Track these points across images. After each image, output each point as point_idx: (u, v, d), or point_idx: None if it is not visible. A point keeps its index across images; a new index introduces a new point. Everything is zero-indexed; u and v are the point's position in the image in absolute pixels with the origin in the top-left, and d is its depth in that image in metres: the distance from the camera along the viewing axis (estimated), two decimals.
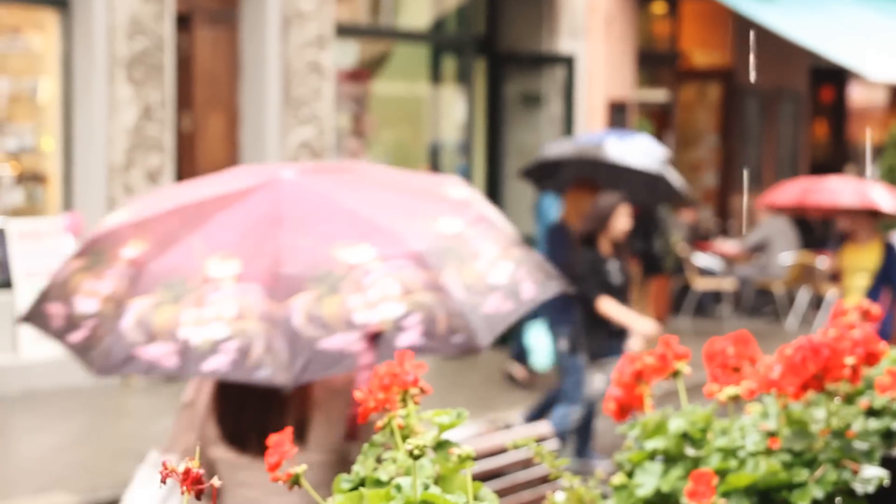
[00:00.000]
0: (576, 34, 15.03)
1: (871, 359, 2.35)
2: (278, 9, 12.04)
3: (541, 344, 10.65)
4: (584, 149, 10.43)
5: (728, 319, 15.59)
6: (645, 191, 10.08)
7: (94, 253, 3.92)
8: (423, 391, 2.29)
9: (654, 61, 17.16)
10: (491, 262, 3.85)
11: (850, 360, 2.26)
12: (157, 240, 3.76)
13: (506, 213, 15.12)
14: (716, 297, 16.21)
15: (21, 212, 10.91)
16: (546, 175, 10.39)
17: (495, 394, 11.31)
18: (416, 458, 1.96)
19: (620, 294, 8.44)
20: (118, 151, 10.85)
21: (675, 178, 10.32)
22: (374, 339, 3.50)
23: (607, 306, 8.29)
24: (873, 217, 10.24)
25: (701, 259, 15.94)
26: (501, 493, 4.32)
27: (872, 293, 9.66)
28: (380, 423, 2.22)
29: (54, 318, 3.98)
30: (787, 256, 15.69)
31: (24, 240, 10.64)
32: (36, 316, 4.07)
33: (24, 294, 10.54)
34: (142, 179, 10.98)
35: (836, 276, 10.42)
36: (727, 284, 15.64)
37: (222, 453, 3.87)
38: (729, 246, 16.36)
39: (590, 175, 9.92)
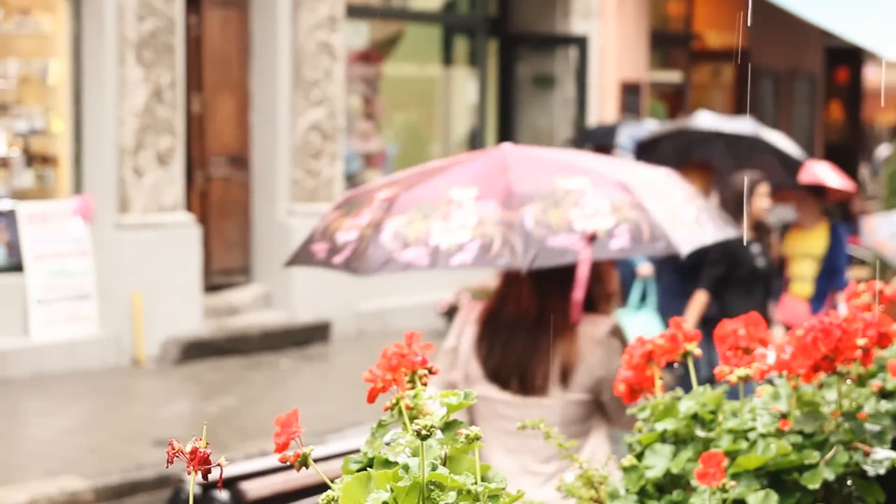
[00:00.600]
0: (588, 15, 14.96)
1: (884, 340, 2.31)
2: None
3: (650, 332, 10.46)
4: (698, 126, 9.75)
5: None
6: (779, 169, 9.28)
7: (350, 204, 4.54)
8: (431, 372, 2.26)
9: (668, 42, 17.09)
10: (680, 202, 4.52)
11: (861, 342, 2.22)
12: (407, 184, 4.45)
13: None
14: None
15: (31, 194, 10.90)
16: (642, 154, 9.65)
17: None
18: (424, 438, 1.94)
19: (766, 280, 7.88)
20: (128, 133, 10.83)
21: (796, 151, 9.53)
22: (591, 240, 4.15)
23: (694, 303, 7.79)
24: (818, 198, 9.12)
25: None
26: None
27: (820, 281, 9.01)
28: (387, 404, 2.19)
29: (318, 252, 4.53)
30: None
31: (34, 222, 10.63)
32: (300, 256, 4.61)
33: (34, 277, 10.54)
34: (152, 161, 10.96)
35: (781, 264, 9.04)
36: None
37: (485, 390, 4.36)
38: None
39: (717, 153, 9.33)
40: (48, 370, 10.40)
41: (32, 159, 11.02)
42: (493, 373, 4.40)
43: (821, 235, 9.07)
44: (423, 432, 1.89)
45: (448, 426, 2.12)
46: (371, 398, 2.21)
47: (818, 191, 9.21)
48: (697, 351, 2.47)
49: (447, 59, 14.89)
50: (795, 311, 8.77)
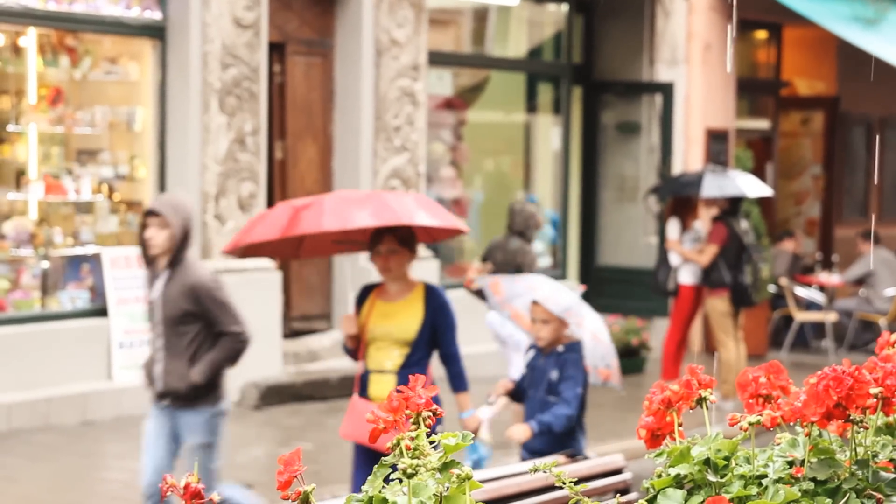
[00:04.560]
0: (674, 62, 14.91)
1: None
2: (372, 38, 12.11)
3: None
4: None
5: (830, 353, 15.29)
6: None
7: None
8: (435, 414, 2.25)
9: (756, 89, 16.97)
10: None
11: (875, 391, 2.18)
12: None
13: (602, 242, 15.04)
14: (818, 330, 15.93)
15: (115, 239, 11.07)
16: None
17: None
18: (410, 476, 1.94)
19: None
20: (210, 179, 10.96)
21: None
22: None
23: None
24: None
25: (802, 291, 15.67)
26: None
27: None
28: (389, 445, 2.19)
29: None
30: (891, 289, 15.36)
31: (117, 267, 10.78)
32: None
33: (117, 320, 10.68)
34: (234, 207, 11.08)
35: None
36: (829, 317, 15.35)
37: None
38: (831, 278, 16.05)
39: None
40: (129, 413, 10.51)
41: (117, 205, 11.21)
42: None
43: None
44: (409, 471, 1.89)
45: (445, 466, 2.12)
46: (373, 439, 2.21)
47: None
48: (713, 397, 2.44)
49: (531, 106, 14.92)
50: None
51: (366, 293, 6.89)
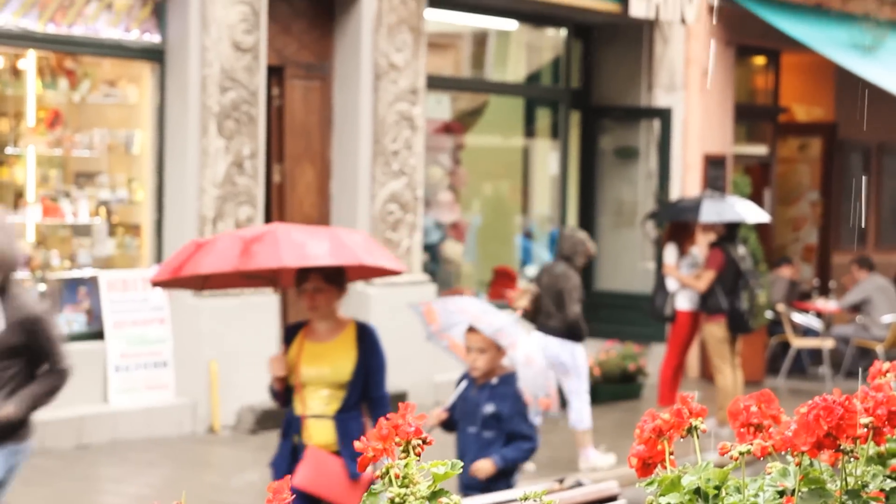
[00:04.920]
0: (672, 88, 14.94)
1: (895, 419, 2.26)
2: (371, 62, 12.13)
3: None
4: None
5: (828, 380, 15.28)
6: None
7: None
8: (425, 442, 2.25)
9: (754, 115, 17.00)
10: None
11: (865, 420, 2.18)
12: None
13: (599, 267, 15.05)
14: (815, 356, 15.92)
15: (113, 262, 11.07)
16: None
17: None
18: None
19: None
20: (209, 203, 10.97)
21: None
22: None
23: None
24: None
25: (799, 317, 15.66)
26: None
27: None
28: (378, 472, 2.19)
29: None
30: (888, 316, 15.36)
31: (114, 290, 10.78)
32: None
33: (113, 344, 10.67)
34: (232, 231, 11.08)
35: None
36: (826, 344, 15.33)
37: None
38: (828, 304, 16.05)
39: None
40: (125, 437, 10.50)
41: (115, 228, 11.21)
42: None
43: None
44: (397, 499, 1.89)
45: (434, 495, 2.11)
46: (361, 467, 2.21)
47: None
48: (704, 426, 2.44)
49: (530, 130, 14.94)
50: None
51: (293, 332, 6.55)
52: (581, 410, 10.67)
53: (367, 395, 6.41)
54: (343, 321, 6.47)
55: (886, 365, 2.70)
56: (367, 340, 6.44)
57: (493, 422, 6.55)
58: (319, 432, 6.34)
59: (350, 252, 6.30)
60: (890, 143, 18.85)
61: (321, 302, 6.38)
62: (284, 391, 6.48)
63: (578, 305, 10.29)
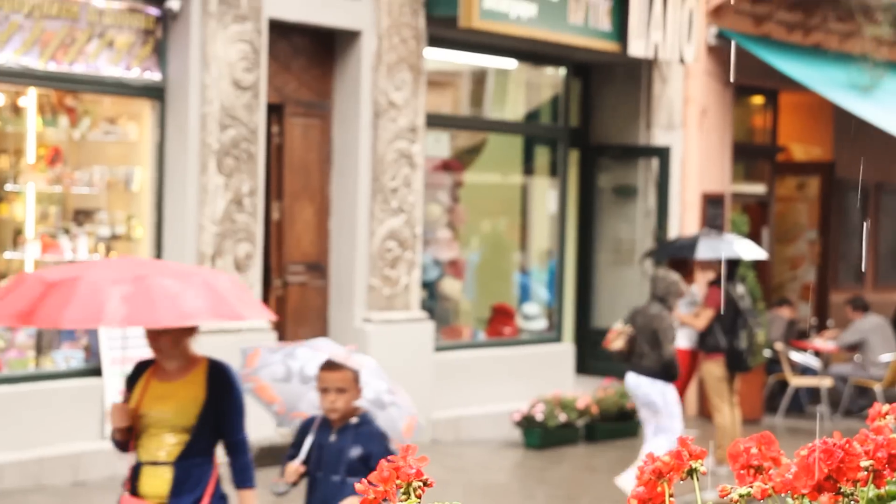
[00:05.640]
0: (671, 126, 14.99)
1: (895, 462, 2.26)
2: (370, 100, 12.17)
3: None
4: None
5: (826, 419, 15.26)
6: None
7: None
8: (426, 484, 2.25)
9: (752, 154, 17.04)
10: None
11: (865, 463, 2.18)
12: None
13: (598, 305, 15.05)
14: (813, 395, 15.89)
15: None
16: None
17: (580, 491, 11.15)
18: None
19: None
20: (207, 240, 10.98)
21: None
22: None
23: None
24: None
25: (797, 356, 15.65)
26: None
27: None
28: None
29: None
30: (886, 355, 15.35)
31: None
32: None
33: (111, 380, 10.66)
34: (230, 267, 11.09)
35: None
36: (824, 383, 15.32)
37: None
38: (826, 343, 16.04)
39: None
40: (121, 474, 10.43)
41: None
42: None
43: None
44: None
45: None
46: None
47: None
48: (703, 468, 2.43)
49: (528, 168, 14.98)
50: None
51: (140, 371, 6.01)
52: (664, 449, 10.71)
53: (225, 440, 5.89)
54: (195, 359, 5.90)
55: (886, 407, 2.70)
56: (219, 380, 5.85)
57: (361, 466, 5.92)
58: (153, 482, 5.80)
59: (227, 306, 5.70)
60: (888, 183, 18.90)
61: (165, 343, 5.88)
62: (125, 440, 5.88)
63: (673, 346, 10.51)
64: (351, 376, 6.05)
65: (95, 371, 10.71)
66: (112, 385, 10.66)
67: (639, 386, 10.40)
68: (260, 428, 11.17)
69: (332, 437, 6.05)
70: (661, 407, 10.48)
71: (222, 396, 5.84)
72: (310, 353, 6.41)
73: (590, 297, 15.10)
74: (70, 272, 5.95)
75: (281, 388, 6.45)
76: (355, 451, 6.00)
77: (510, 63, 14.23)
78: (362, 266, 12.23)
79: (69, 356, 10.73)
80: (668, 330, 10.39)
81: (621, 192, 15.11)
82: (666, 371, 10.41)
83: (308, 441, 6.09)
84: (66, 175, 11.00)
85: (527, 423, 12.70)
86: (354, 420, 6.07)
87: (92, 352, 10.81)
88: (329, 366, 6.07)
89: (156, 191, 11.11)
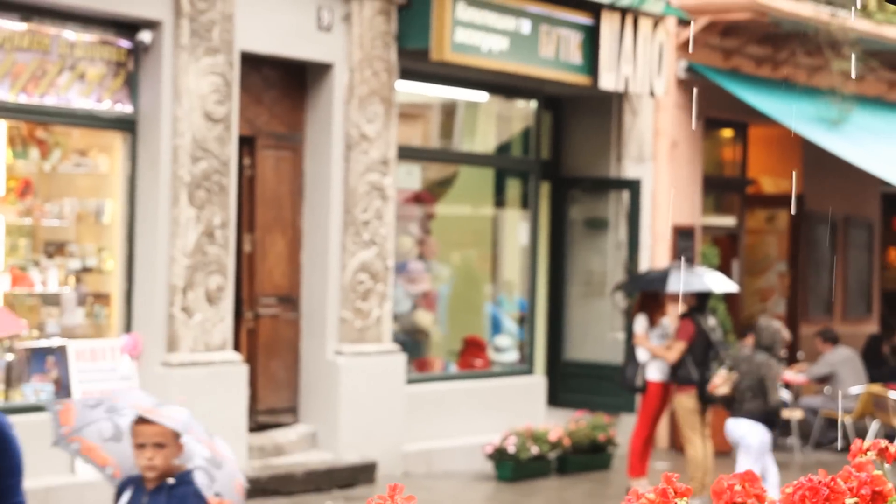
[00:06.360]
0: (641, 159, 15.05)
1: (878, 499, 2.27)
2: (342, 132, 12.18)
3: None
4: None
5: (796, 451, 15.29)
6: None
7: None
8: None
9: (722, 187, 17.12)
10: None
11: (850, 501, 2.18)
12: None
13: (569, 337, 15.06)
14: (784, 427, 15.92)
15: (82, 331, 11.00)
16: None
17: None
18: None
19: None
20: (179, 272, 10.94)
21: None
22: None
23: None
24: None
25: None
26: None
27: None
28: None
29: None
30: (855, 388, 15.41)
31: (82, 359, 10.71)
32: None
33: None
34: (201, 300, 11.05)
35: None
36: (795, 415, 15.36)
37: None
38: (796, 375, 16.08)
39: None
40: None
41: (84, 297, 11.15)
42: None
43: None
44: None
45: None
46: None
47: None
48: None
49: (500, 200, 15.00)
50: None
51: None
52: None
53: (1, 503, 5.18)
54: None
55: (867, 443, 2.70)
56: None
57: None
58: None
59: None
60: (855, 216, 19.02)
61: None
62: None
63: (778, 394, 10.96)
64: (170, 431, 5.48)
65: None
66: None
67: (738, 429, 10.87)
68: None
69: (145, 499, 5.49)
70: (755, 450, 10.88)
71: None
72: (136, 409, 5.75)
73: (561, 330, 15.11)
74: None
75: (112, 448, 5.78)
76: None
77: (482, 96, 14.27)
78: (334, 298, 12.20)
79: (39, 389, 10.66)
80: (777, 378, 10.84)
81: (592, 225, 15.14)
82: (768, 417, 10.88)
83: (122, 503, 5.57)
84: (37, 207, 10.95)
85: (499, 456, 12.67)
86: (171, 480, 5.49)
87: (62, 384, 10.73)
88: (144, 420, 5.49)
89: (127, 223, 11.06)
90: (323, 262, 12.21)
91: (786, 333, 11.26)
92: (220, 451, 5.74)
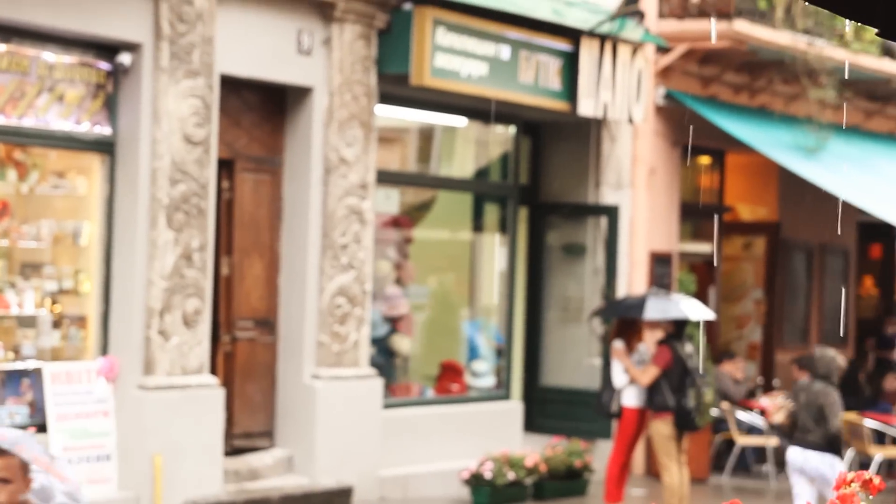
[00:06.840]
0: (619, 185, 15.09)
1: None
2: (321, 156, 12.18)
3: None
4: None
5: (771, 478, 15.31)
6: None
7: None
8: None
9: (699, 214, 17.18)
10: None
11: None
12: None
13: (546, 363, 15.06)
14: (759, 454, 15.95)
15: (57, 354, 10.95)
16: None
17: None
18: None
19: None
20: (156, 295, 10.90)
21: None
22: None
23: None
24: None
25: (744, 415, 15.71)
26: None
27: None
28: None
29: None
30: None
31: (57, 382, 10.66)
32: None
33: (56, 436, 10.53)
34: (178, 323, 11.01)
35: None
36: (770, 442, 15.38)
37: None
38: (772, 402, 16.10)
39: None
40: None
41: (60, 319, 11.10)
42: None
43: None
44: None
45: None
46: None
47: None
48: None
49: (478, 225, 15.01)
50: None
51: None
52: None
53: None
54: None
55: (851, 475, 2.71)
56: None
57: None
58: None
59: None
60: (831, 243, 19.09)
61: None
62: None
63: (839, 421, 10.88)
64: (17, 463, 5.03)
65: (41, 427, 10.57)
66: (57, 441, 10.53)
67: (807, 460, 10.79)
68: (206, 485, 11.07)
69: None
70: (830, 479, 10.77)
71: None
72: None
73: (538, 355, 15.11)
74: None
75: None
76: None
77: (461, 121, 14.29)
78: (311, 322, 12.18)
79: (14, 412, 10.59)
80: (834, 405, 10.79)
81: (570, 250, 15.17)
82: (832, 444, 10.84)
83: None
84: (14, 229, 10.90)
85: (475, 482, 12.65)
86: None
87: (37, 407, 10.68)
88: None
89: (104, 245, 11.03)
90: (301, 285, 12.19)
91: (841, 361, 11.19)
92: (63, 475, 5.28)
